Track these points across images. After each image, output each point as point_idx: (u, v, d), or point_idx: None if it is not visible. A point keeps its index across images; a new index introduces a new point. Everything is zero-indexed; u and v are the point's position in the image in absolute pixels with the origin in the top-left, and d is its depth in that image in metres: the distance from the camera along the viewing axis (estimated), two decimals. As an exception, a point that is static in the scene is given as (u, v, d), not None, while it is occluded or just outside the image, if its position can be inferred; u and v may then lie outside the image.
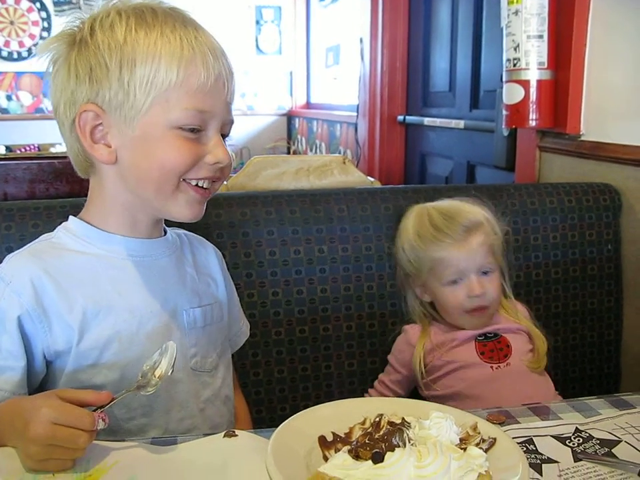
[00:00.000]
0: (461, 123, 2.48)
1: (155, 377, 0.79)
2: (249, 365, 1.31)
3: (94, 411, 0.73)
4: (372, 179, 1.73)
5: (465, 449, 0.67)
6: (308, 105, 5.14)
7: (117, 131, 0.87)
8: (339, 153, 3.97)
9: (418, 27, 3.01)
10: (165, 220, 0.99)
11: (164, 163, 0.86)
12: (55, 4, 4.65)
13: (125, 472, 0.71)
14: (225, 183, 0.95)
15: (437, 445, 0.63)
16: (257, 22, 5.08)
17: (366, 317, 1.37)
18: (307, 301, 1.33)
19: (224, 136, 0.92)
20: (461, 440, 0.70)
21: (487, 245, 1.25)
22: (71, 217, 0.96)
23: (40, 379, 0.91)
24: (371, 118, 3.31)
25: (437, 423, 0.68)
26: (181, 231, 1.06)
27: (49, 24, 4.69)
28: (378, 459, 0.62)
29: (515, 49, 1.64)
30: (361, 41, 3.43)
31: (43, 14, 4.67)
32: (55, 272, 0.89)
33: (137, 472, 0.71)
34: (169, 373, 0.80)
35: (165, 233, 1.00)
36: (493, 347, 1.25)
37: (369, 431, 0.71)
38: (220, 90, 0.89)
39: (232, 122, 0.93)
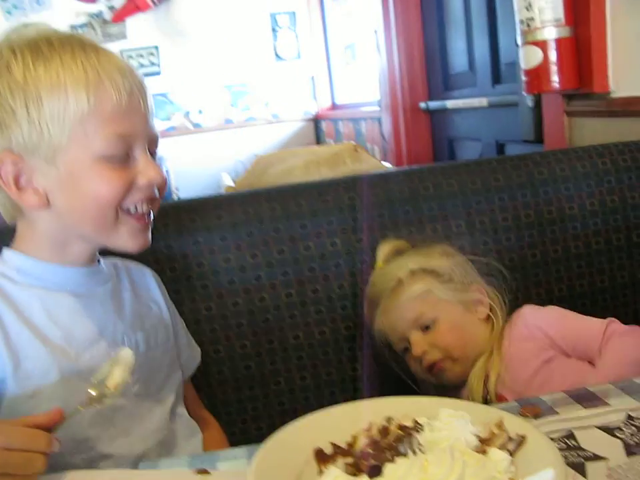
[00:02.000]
0: (484, 101, 2.35)
1: (108, 388, 0.73)
2: (215, 384, 1.20)
3: None
4: (388, 165, 1.62)
5: (485, 452, 0.55)
6: (333, 107, 5.02)
7: (40, 174, 0.83)
8: (366, 149, 3.85)
9: (431, 10, 2.88)
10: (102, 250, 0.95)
11: (97, 198, 0.83)
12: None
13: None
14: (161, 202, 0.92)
15: (448, 450, 0.52)
16: (273, 29, 4.99)
17: (340, 320, 1.24)
18: (272, 308, 1.21)
19: (152, 154, 0.87)
20: (483, 441, 0.58)
21: (418, 298, 1.09)
22: (4, 249, 0.91)
23: None
24: (393, 109, 3.18)
25: (448, 423, 0.57)
26: (117, 259, 1.01)
27: None
28: (374, 473, 0.51)
29: (527, 8, 1.51)
30: (376, 32, 3.32)
31: None
32: None
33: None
34: (128, 381, 0.74)
35: (99, 261, 0.96)
36: None
37: (375, 438, 0.61)
38: (136, 107, 0.84)
39: (157, 137, 0.89)
